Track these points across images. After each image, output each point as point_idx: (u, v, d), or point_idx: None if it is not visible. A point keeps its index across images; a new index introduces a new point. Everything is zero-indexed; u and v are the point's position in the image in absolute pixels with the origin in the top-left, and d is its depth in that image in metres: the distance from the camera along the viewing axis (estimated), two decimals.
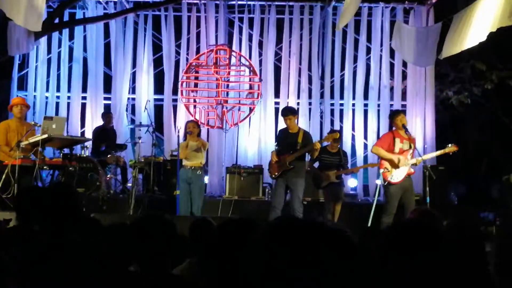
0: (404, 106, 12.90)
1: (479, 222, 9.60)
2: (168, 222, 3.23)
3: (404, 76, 13.18)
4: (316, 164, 9.98)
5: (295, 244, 1.50)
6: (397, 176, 8.58)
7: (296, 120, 9.30)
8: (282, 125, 9.69)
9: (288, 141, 9.03)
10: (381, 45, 13.05)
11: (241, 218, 3.17)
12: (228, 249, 2.97)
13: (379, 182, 9.09)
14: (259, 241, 1.59)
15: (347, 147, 12.47)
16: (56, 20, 12.07)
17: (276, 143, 9.45)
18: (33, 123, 9.44)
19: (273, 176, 9.08)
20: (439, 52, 9.52)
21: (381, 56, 13.05)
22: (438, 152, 9.43)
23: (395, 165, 8.55)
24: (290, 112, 9.19)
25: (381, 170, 8.73)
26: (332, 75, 13.14)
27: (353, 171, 10.84)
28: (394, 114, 8.94)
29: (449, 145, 8.89)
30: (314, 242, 1.50)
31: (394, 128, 8.94)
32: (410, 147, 8.68)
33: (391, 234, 2.54)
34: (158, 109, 13.25)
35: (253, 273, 1.56)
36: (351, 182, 12.28)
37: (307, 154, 9.11)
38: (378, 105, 13.00)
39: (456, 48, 8.33)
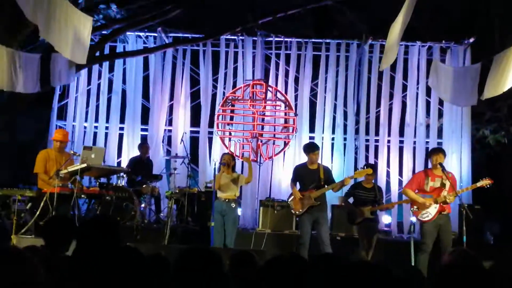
0: (440, 143, 12.82)
1: None
2: (215, 255, 3.21)
3: (440, 114, 13.14)
4: (351, 200, 9.95)
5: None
6: (427, 214, 8.56)
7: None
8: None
9: (311, 177, 9.12)
10: (418, 83, 13.07)
11: (291, 254, 3.11)
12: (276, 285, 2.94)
13: (413, 219, 9.04)
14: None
15: (382, 183, 12.38)
16: (97, 53, 12.37)
17: (293, 179, 9.47)
18: (72, 152, 9.65)
19: (298, 212, 9.14)
20: (480, 93, 9.50)
21: (417, 93, 13.06)
22: (472, 186, 9.39)
23: (422, 206, 8.56)
24: (317, 148, 9.39)
25: (412, 209, 8.77)
26: (367, 112, 13.17)
27: (388, 207, 10.76)
28: (432, 152, 8.97)
29: (483, 178, 8.80)
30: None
31: (429, 166, 8.92)
32: (444, 185, 8.62)
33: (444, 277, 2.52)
34: (194, 141, 13.39)
35: None
36: (385, 219, 12.21)
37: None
38: (414, 142, 12.95)
39: (498, 89, 8.29)
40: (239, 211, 12.01)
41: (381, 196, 10.09)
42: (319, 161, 9.64)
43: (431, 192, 8.62)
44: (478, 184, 8.89)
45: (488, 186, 8.76)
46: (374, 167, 9.87)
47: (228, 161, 9.37)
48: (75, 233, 4.14)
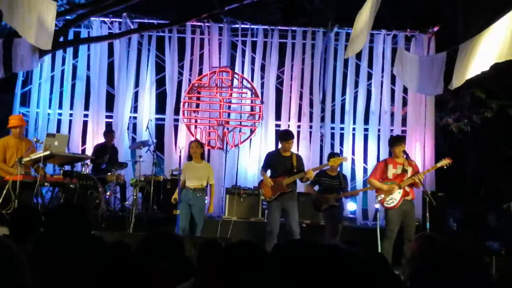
0: (404, 132, 13.00)
1: (485, 251, 9.67)
2: (177, 240, 3.24)
3: (405, 102, 13.27)
4: (316, 188, 10.01)
5: (314, 270, 1.52)
6: (392, 200, 8.73)
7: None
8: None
9: (283, 164, 9.10)
10: (382, 71, 13.17)
11: (249, 241, 3.17)
12: (234, 272, 2.98)
13: (378, 206, 9.18)
14: (276, 266, 1.60)
15: (347, 171, 12.46)
16: (61, 39, 12.16)
17: (264, 166, 9.42)
18: (35, 139, 9.50)
19: (268, 199, 9.10)
20: (445, 82, 9.63)
21: (382, 82, 13.16)
22: (433, 167, 9.65)
23: (387, 193, 8.74)
24: (292, 136, 9.34)
25: (378, 198, 8.93)
26: (333, 99, 13.24)
27: (352, 194, 10.88)
28: (395, 141, 9.09)
29: (444, 158, 9.04)
30: (333, 268, 1.52)
31: (390, 156, 9.09)
32: (405, 171, 8.78)
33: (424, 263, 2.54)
34: (160, 129, 13.31)
35: None
36: (350, 206, 12.33)
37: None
38: (379, 130, 13.07)
39: (464, 77, 8.42)
40: (205, 198, 12.02)
41: (346, 183, 10.19)
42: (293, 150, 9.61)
43: (394, 179, 8.81)
44: (439, 164, 9.14)
45: (448, 165, 8.99)
46: (340, 156, 9.95)
47: (195, 149, 9.30)
48: (42, 222, 4.08)
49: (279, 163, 9.15)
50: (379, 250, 8.44)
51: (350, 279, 1.52)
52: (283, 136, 9.38)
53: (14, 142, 9.16)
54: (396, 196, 8.72)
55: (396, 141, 9.09)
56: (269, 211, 9.24)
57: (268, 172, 9.27)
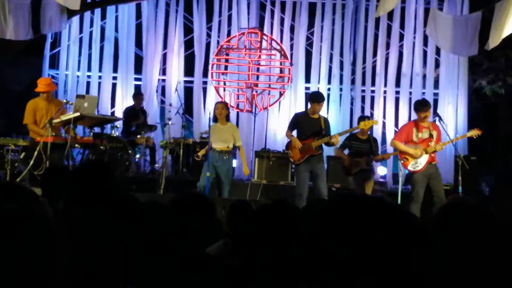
0: (436, 94, 12.78)
1: None
2: (209, 201, 3.20)
3: (437, 64, 13.02)
4: (346, 152, 9.90)
5: (357, 221, 1.44)
6: (417, 164, 8.61)
7: None
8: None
9: (312, 126, 8.92)
10: (415, 32, 12.88)
11: (282, 201, 3.10)
12: (265, 232, 2.93)
13: (401, 171, 9.06)
14: (317, 219, 1.52)
15: (377, 134, 12.31)
16: (89, 0, 12.11)
17: (291, 126, 9.19)
18: (64, 101, 9.52)
19: (297, 161, 8.94)
20: (480, 42, 9.41)
21: (414, 43, 12.89)
22: (462, 136, 9.54)
23: (412, 157, 8.60)
24: (323, 98, 9.21)
25: (401, 160, 8.82)
26: (364, 61, 13.02)
27: (383, 157, 10.73)
28: (421, 106, 8.78)
29: (473, 129, 8.97)
30: (375, 218, 1.44)
31: (416, 118, 8.92)
32: (431, 135, 8.64)
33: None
34: (188, 91, 13.24)
35: (308, 254, 1.50)
36: (381, 170, 12.23)
37: None
38: (410, 93, 12.85)
39: (500, 36, 8.21)
40: (234, 162, 12.00)
41: (376, 147, 10.06)
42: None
43: (420, 143, 8.66)
44: (468, 134, 9.15)
45: (477, 136, 8.93)
46: (371, 119, 9.80)
47: (221, 110, 9.09)
48: (73, 182, 4.06)
49: (308, 125, 8.96)
50: None
51: (397, 231, 1.43)
52: (315, 97, 9.14)
53: (44, 104, 9.18)
54: (422, 160, 8.58)
55: (420, 105, 8.82)
56: (297, 174, 9.13)
57: (294, 133, 9.12)
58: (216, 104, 9.55)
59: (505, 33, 8.12)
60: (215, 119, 9.18)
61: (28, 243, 1.38)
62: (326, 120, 9.22)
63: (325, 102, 12.24)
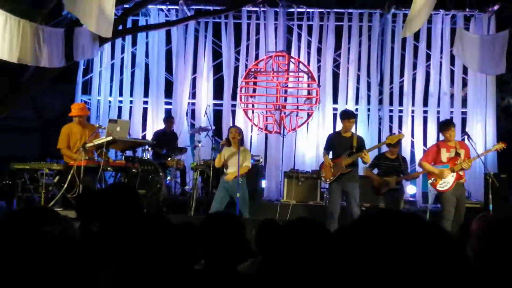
0: (464, 113, 12.78)
1: None
2: (238, 221, 3.30)
3: (465, 83, 13.02)
4: (375, 171, 9.94)
5: (396, 238, 1.39)
6: (445, 184, 8.68)
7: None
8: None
9: (343, 145, 9.02)
10: (441, 52, 12.93)
11: (305, 218, 3.16)
12: (294, 250, 2.99)
13: (430, 191, 9.11)
14: (351, 235, 1.46)
15: (406, 153, 12.35)
16: (120, 27, 12.40)
17: (326, 147, 9.37)
18: (97, 126, 9.75)
19: (328, 180, 9.03)
20: (509, 61, 9.45)
21: (441, 63, 12.93)
22: (487, 151, 9.70)
23: (439, 176, 8.68)
24: (353, 116, 9.29)
25: (429, 181, 8.87)
26: (391, 82, 13.09)
27: (413, 177, 10.73)
28: (444, 126, 9.00)
29: (498, 142, 9.13)
30: (415, 236, 1.39)
31: (442, 139, 9.03)
32: (458, 154, 8.74)
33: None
34: (217, 114, 13.45)
35: (342, 273, 1.45)
36: (410, 189, 12.20)
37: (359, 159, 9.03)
38: (438, 112, 12.86)
39: None
40: (264, 183, 12.12)
41: (406, 166, 10.07)
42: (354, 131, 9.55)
43: (447, 162, 8.74)
44: (493, 148, 9.25)
45: (501, 149, 9.04)
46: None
47: (234, 134, 9.06)
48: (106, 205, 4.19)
49: (339, 143, 9.08)
50: None
51: (429, 249, 1.38)
52: (345, 114, 9.26)
53: (78, 129, 9.42)
54: (449, 180, 8.65)
55: (444, 125, 9.00)
56: (329, 193, 9.19)
57: (331, 155, 9.24)
58: (229, 128, 9.58)
59: None
60: (229, 143, 9.18)
61: (70, 266, 1.41)
62: (359, 138, 9.26)
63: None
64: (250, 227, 4.97)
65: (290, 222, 2.88)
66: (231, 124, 12.99)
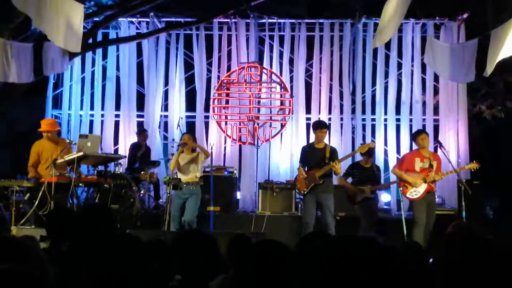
0: (436, 120, 12.87)
1: None
2: (210, 237, 3.26)
3: (436, 91, 13.13)
4: (349, 180, 9.96)
5: (353, 263, 1.49)
6: (416, 193, 8.89)
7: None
8: (313, 140, 9.66)
9: (316, 156, 9.14)
10: (412, 61, 13.03)
11: (278, 242, 3.16)
12: (264, 269, 2.97)
13: (403, 199, 9.26)
14: (313, 259, 1.57)
15: (380, 162, 12.42)
16: (90, 40, 12.29)
17: (300, 159, 9.50)
18: (67, 141, 9.62)
19: (302, 192, 9.15)
20: (478, 69, 9.55)
21: (412, 71, 13.03)
22: (460, 168, 9.78)
23: (412, 185, 8.87)
24: (325, 126, 9.40)
25: (400, 188, 9.13)
26: (363, 91, 13.15)
27: (387, 186, 10.79)
28: (415, 134, 9.31)
29: (471, 162, 9.45)
30: (370, 261, 1.49)
31: (416, 148, 9.21)
32: (431, 166, 8.94)
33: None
34: (190, 126, 13.36)
35: None
36: (385, 197, 12.26)
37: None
38: (411, 120, 12.94)
39: (495, 61, 8.35)
40: (238, 194, 12.06)
41: (379, 175, 10.14)
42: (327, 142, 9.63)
43: (420, 172, 8.95)
44: (466, 167, 9.53)
45: (474, 169, 9.29)
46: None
47: (187, 141, 9.35)
48: (76, 223, 4.11)
49: (312, 155, 9.19)
50: (406, 239, 8.56)
51: (386, 275, 1.48)
52: (317, 125, 9.44)
53: (49, 145, 9.29)
54: (420, 189, 8.88)
55: (415, 134, 9.34)
56: (304, 204, 9.36)
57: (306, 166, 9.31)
58: (182, 134, 9.95)
59: (499, 58, 8.25)
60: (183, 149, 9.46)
61: None
62: (332, 149, 9.37)
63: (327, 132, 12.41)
64: (224, 240, 4.92)
65: (260, 242, 2.84)
66: (204, 136, 12.96)
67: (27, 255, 1.42)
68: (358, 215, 9.92)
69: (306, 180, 9.02)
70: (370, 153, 9.70)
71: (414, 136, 9.26)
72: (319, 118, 12.71)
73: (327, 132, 9.53)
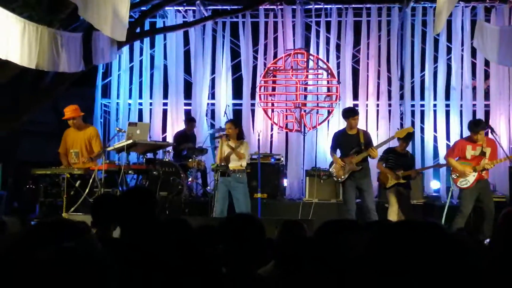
0: (487, 106, 12.58)
1: None
2: (258, 223, 3.25)
3: (487, 76, 12.83)
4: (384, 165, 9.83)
5: (413, 246, 1.46)
6: (466, 182, 8.74)
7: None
8: (362, 127, 9.57)
9: (350, 143, 9.08)
10: (462, 45, 12.75)
11: (339, 220, 3.06)
12: (316, 252, 2.93)
13: (453, 186, 9.11)
14: (374, 243, 1.55)
15: (429, 148, 12.30)
16: (138, 30, 12.42)
17: (332, 146, 9.45)
18: (117, 129, 9.78)
19: (340, 179, 9.14)
20: None
21: (462, 56, 12.75)
22: (510, 156, 9.64)
23: (462, 174, 8.71)
24: (357, 113, 9.42)
25: (452, 176, 8.96)
26: (412, 76, 12.92)
27: (418, 171, 10.42)
28: (475, 126, 8.92)
29: None
30: (432, 244, 1.47)
31: (468, 134, 9.07)
32: (484, 153, 8.76)
33: None
34: (237, 114, 13.39)
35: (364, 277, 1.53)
36: (434, 184, 12.10)
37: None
38: (461, 105, 12.68)
39: None
40: (285, 181, 12.06)
41: (413, 163, 10.02)
42: (363, 128, 9.57)
43: (471, 160, 8.79)
44: None
45: None
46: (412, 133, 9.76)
47: (228, 130, 9.19)
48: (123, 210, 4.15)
49: (347, 142, 9.14)
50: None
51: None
52: (348, 112, 9.35)
53: (73, 133, 9.50)
54: (470, 179, 8.71)
55: (474, 126, 8.94)
56: (343, 191, 9.32)
57: (338, 153, 9.25)
58: (225, 123, 9.68)
59: None
60: (228, 138, 9.28)
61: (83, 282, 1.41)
62: (366, 133, 9.33)
63: (375, 118, 12.32)
64: (271, 227, 4.92)
65: (320, 226, 2.78)
66: (251, 124, 12.97)
67: (81, 236, 1.44)
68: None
69: (343, 167, 8.96)
70: (408, 138, 9.57)
71: (473, 128, 8.85)
72: (366, 105, 12.65)
73: (358, 118, 9.41)
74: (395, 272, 1.43)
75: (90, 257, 1.44)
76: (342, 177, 9.00)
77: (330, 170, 9.40)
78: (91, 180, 8.75)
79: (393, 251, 1.46)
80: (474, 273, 1.44)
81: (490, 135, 9.57)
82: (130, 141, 8.98)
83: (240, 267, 3.12)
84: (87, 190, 8.73)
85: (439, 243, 1.45)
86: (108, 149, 9.34)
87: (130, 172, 9.55)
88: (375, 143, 9.60)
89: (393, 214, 9.36)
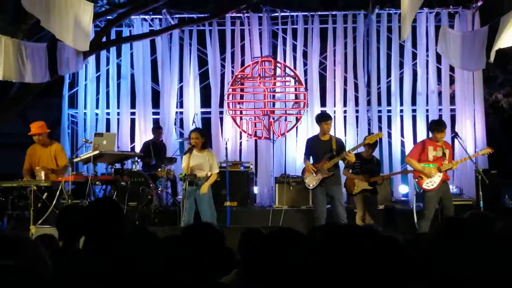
0: (453, 110, 12.75)
1: None
2: (217, 231, 3.26)
3: (452, 81, 12.99)
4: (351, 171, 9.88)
5: (351, 251, 1.50)
6: (432, 183, 8.74)
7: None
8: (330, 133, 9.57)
9: (322, 149, 9.09)
10: (427, 50, 12.91)
11: (287, 229, 3.15)
12: (275, 259, 2.97)
13: (416, 188, 9.21)
14: (314, 247, 1.58)
15: (396, 153, 12.42)
16: (104, 39, 12.35)
17: (306, 153, 9.43)
18: (83, 140, 9.70)
19: (311, 186, 9.13)
20: (488, 56, 9.46)
21: (427, 61, 12.91)
22: (474, 155, 9.77)
23: (427, 175, 8.73)
24: (330, 118, 9.43)
25: (415, 179, 8.99)
26: (378, 82, 13.05)
27: (384, 177, 10.47)
28: (435, 128, 8.96)
29: (485, 147, 9.43)
30: (368, 249, 1.50)
31: (430, 136, 9.14)
32: (444, 154, 8.83)
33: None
34: (206, 122, 13.37)
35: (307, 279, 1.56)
36: (402, 189, 12.21)
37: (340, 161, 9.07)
38: (427, 110, 12.83)
39: (497, 47, 8.28)
40: (256, 189, 12.06)
41: (379, 169, 10.09)
42: (332, 134, 9.60)
43: (434, 161, 8.82)
44: (480, 153, 9.48)
45: (488, 154, 9.37)
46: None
47: (195, 140, 8.73)
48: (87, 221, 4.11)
49: (319, 148, 9.14)
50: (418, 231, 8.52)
51: (385, 264, 1.49)
52: (322, 117, 9.37)
53: (39, 149, 9.38)
54: (436, 179, 8.74)
55: (435, 126, 9.01)
56: (314, 198, 9.33)
57: (311, 159, 9.26)
58: (190, 132, 9.25)
59: (502, 45, 8.18)
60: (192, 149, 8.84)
61: None
62: (338, 140, 9.37)
63: (342, 124, 12.39)
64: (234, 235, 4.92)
65: (269, 233, 2.84)
66: (220, 132, 12.96)
67: (23, 251, 1.42)
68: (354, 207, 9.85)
69: (315, 173, 8.98)
70: (373, 144, 9.63)
71: (435, 128, 8.92)
72: (334, 111, 12.70)
73: (331, 123, 9.42)
74: (333, 275, 1.47)
75: (29, 274, 1.42)
76: (314, 183, 9.00)
77: (303, 177, 9.39)
78: (58, 192, 8.65)
79: (330, 255, 1.51)
80: (405, 270, 1.50)
81: (456, 140, 9.76)
82: (97, 152, 8.89)
83: (201, 275, 3.12)
84: (54, 202, 8.63)
85: (373, 245, 1.49)
86: (75, 160, 9.25)
87: (97, 183, 9.46)
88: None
89: (358, 219, 9.46)
